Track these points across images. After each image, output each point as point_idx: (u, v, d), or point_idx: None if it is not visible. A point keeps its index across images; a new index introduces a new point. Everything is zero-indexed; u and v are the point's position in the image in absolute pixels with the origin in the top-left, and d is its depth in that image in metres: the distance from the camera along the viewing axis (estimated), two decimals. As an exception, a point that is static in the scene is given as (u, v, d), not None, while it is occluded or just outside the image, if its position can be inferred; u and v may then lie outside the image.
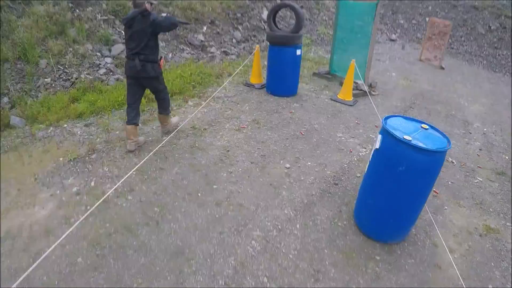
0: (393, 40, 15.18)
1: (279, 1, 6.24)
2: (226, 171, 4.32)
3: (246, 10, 9.98)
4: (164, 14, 5.62)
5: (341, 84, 7.80)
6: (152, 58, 4.19)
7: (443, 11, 15.90)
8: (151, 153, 4.38)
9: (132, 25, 4.06)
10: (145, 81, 4.29)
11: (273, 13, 6.43)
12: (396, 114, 3.74)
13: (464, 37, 15.30)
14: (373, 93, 7.59)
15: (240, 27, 9.48)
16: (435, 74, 11.32)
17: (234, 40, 9.03)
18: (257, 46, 6.89)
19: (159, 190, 3.87)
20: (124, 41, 5.90)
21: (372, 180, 3.37)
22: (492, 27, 15.20)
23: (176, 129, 4.91)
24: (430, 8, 16.49)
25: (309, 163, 4.74)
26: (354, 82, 7.51)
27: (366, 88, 7.39)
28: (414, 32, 15.84)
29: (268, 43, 6.56)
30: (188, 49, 8.03)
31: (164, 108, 4.64)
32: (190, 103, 6.16)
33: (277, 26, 6.54)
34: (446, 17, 15.42)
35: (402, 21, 16.41)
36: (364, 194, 3.51)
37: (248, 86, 7.09)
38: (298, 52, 6.41)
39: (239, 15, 9.62)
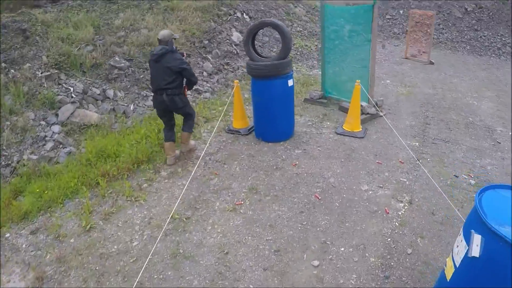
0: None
1: (255, 22, 4.68)
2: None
3: (213, 35, 8.55)
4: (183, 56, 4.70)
5: (341, 109, 6.48)
6: (179, 91, 4.50)
7: (415, 1, 14.94)
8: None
9: (160, 61, 4.35)
10: (174, 111, 4.66)
11: (251, 37, 5.02)
12: (491, 185, 2.34)
13: (442, 24, 14.38)
14: (380, 114, 6.26)
15: (209, 56, 8.04)
16: (427, 71, 10.41)
17: (205, 73, 7.58)
18: (236, 82, 5.45)
19: None
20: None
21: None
22: (468, 9, 14.35)
23: (192, 151, 5.12)
24: (401, 0, 15.51)
25: (342, 248, 3.35)
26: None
27: (373, 111, 6.07)
28: (390, 28, 14.82)
29: (251, 77, 5.12)
30: (152, 94, 6.51)
31: (189, 126, 4.85)
32: (163, 173, 4.66)
33: (258, 53, 5.11)
34: (420, 6, 14.48)
35: (375, 18, 15.32)
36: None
37: (232, 133, 5.63)
38: (290, 82, 5.03)
39: (206, 42, 8.18)
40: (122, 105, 6.21)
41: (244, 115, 5.67)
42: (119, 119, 5.82)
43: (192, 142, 5.11)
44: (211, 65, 7.78)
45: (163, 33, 4.42)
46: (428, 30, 11.75)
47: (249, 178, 4.48)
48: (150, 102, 6.42)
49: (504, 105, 7.61)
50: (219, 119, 5.94)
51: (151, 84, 4.59)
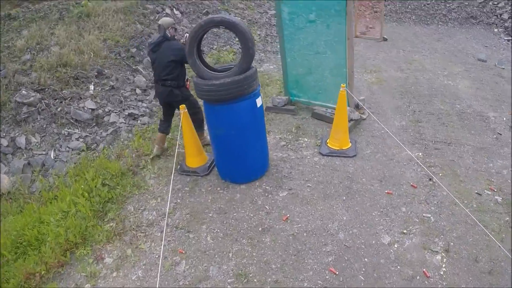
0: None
1: (200, 21, 3.16)
2: None
3: (141, 40, 6.91)
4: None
5: (315, 116, 5.44)
6: (179, 83, 4.31)
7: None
8: None
9: (157, 51, 4.24)
10: (175, 104, 4.39)
11: (196, 44, 3.61)
12: None
13: (384, -6, 13.79)
14: (363, 116, 5.24)
15: (140, 67, 6.44)
16: (384, 50, 9.83)
17: (138, 90, 6.02)
18: (182, 107, 4.02)
19: None
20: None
21: None
22: (408, -24, 13.90)
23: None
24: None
25: None
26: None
27: (357, 115, 5.03)
28: (333, 2, 13.90)
29: (203, 101, 3.79)
30: (76, 130, 4.92)
31: (197, 127, 4.49)
32: (107, 260, 3.27)
33: (208, 66, 3.74)
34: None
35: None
36: None
37: (187, 175, 4.25)
38: (259, 102, 3.82)
39: (133, 49, 6.55)
40: (39, 154, 4.59)
41: (199, 149, 4.34)
42: (38, 178, 4.22)
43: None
44: (144, 79, 6.22)
45: (165, 19, 4.41)
46: (370, 3, 11.12)
47: (230, 254, 3.20)
48: (75, 143, 4.81)
49: (479, 82, 7.25)
50: (167, 155, 4.56)
51: (153, 73, 4.52)
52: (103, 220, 3.66)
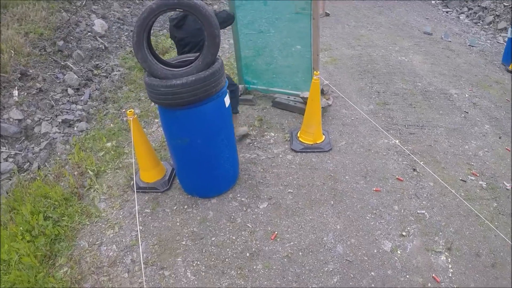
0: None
1: (151, 4, 2.54)
2: None
3: (69, 30, 5.95)
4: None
5: (277, 105, 5.16)
6: None
7: None
8: None
9: (182, 25, 3.64)
10: None
11: (146, 33, 3.00)
12: None
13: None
14: (329, 103, 5.00)
15: (70, 63, 5.54)
16: (329, 26, 9.74)
17: (70, 91, 5.17)
18: (130, 113, 3.40)
19: None
20: None
21: None
22: None
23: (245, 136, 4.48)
24: None
25: None
26: (300, 97, 4.89)
27: (324, 103, 4.78)
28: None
29: (158, 106, 3.25)
30: (3, 148, 4.06)
31: (233, 106, 3.85)
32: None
33: (162, 60, 3.17)
34: None
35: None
36: None
37: (144, 192, 3.69)
38: (227, 101, 3.31)
39: (60, 42, 5.60)
40: None
41: (155, 160, 3.77)
42: None
43: (242, 129, 4.49)
44: (75, 76, 5.35)
45: None
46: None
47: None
48: (4, 165, 3.97)
49: (432, 56, 7.41)
50: (115, 167, 3.94)
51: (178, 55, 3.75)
52: (54, 265, 3.00)
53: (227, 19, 3.77)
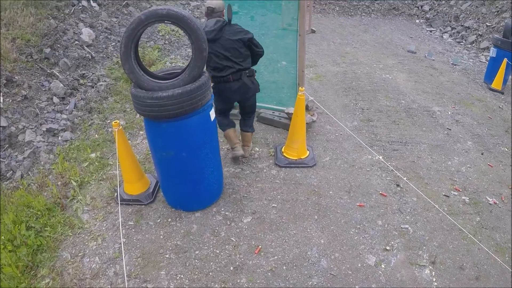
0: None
1: (140, 15, 2.59)
2: None
3: (56, 38, 5.98)
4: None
5: (262, 120, 5.36)
6: (252, 72, 3.94)
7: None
8: None
9: (218, 39, 3.65)
10: (247, 98, 4.07)
11: (134, 45, 3.07)
12: None
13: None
14: (314, 118, 5.13)
15: (56, 71, 5.56)
16: (314, 42, 10.03)
17: (55, 99, 5.17)
18: (116, 124, 3.44)
19: None
20: None
21: None
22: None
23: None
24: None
25: None
26: (285, 112, 5.01)
27: (308, 118, 4.91)
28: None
29: (144, 118, 3.30)
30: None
31: (249, 126, 4.31)
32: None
33: (147, 71, 3.23)
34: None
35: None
36: None
37: (128, 204, 3.71)
38: (212, 115, 3.40)
39: (47, 50, 5.62)
40: None
41: (139, 172, 3.81)
42: None
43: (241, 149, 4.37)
44: (61, 84, 5.37)
45: (216, 2, 3.73)
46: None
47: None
48: None
49: (415, 74, 7.68)
50: (99, 179, 3.96)
51: (214, 71, 3.78)
52: (36, 276, 2.98)
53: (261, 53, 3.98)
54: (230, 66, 3.72)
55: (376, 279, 3.05)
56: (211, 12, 3.71)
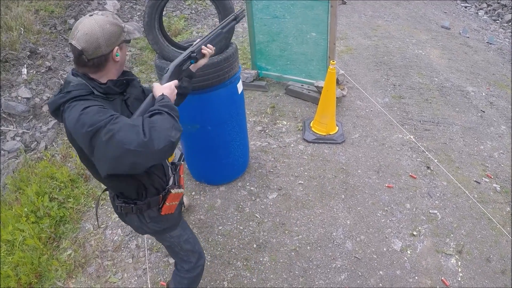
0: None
1: None
2: None
3: (80, 9, 5.78)
4: None
5: (290, 93, 5.03)
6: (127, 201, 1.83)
7: None
8: None
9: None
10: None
11: (158, 15, 2.84)
12: None
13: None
14: (344, 93, 4.82)
15: None
16: (346, 15, 9.41)
17: None
18: None
19: None
20: None
21: None
22: None
23: None
24: None
25: None
26: (315, 85, 4.73)
27: (338, 93, 4.61)
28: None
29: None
30: (10, 127, 3.95)
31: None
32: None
33: (172, 42, 2.99)
34: None
35: None
36: None
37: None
38: (240, 87, 3.15)
39: (71, 21, 5.44)
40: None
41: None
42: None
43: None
44: None
45: (89, 29, 1.46)
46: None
47: (225, 283, 2.70)
48: (11, 144, 3.86)
49: (449, 52, 7.13)
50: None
51: None
52: (58, 248, 2.92)
53: None
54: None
55: (401, 265, 2.86)
56: (78, 57, 1.54)
